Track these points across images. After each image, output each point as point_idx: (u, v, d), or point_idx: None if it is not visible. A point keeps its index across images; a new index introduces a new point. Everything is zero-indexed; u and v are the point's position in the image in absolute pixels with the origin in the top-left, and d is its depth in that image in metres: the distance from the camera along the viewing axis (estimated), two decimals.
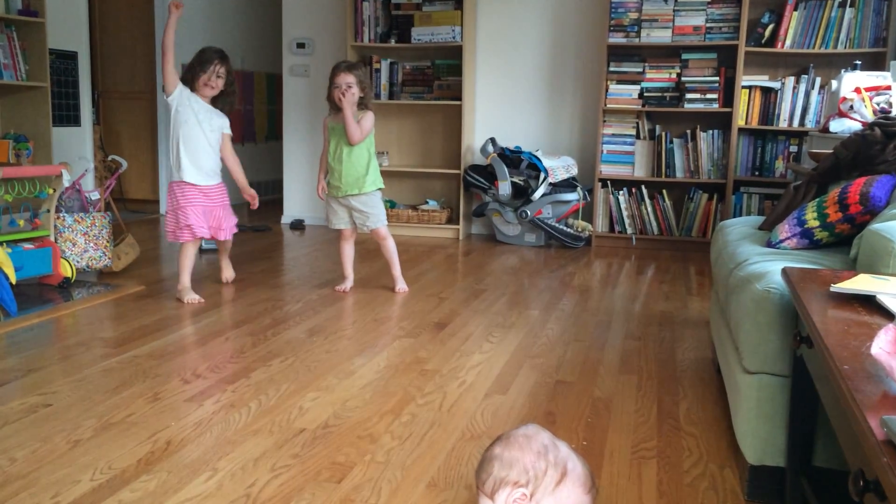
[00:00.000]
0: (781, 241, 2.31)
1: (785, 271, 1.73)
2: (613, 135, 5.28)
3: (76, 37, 5.41)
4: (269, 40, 7.21)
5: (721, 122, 5.11)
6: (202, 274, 4.07)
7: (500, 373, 2.63)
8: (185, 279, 3.54)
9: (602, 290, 3.99)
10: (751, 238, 2.50)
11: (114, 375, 2.51)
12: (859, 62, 4.14)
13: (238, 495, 1.74)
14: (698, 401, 2.40)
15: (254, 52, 7.27)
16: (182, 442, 2.01)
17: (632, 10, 5.09)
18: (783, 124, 4.98)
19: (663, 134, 5.19)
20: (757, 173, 5.11)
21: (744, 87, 5.00)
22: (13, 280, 3.26)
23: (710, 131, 5.13)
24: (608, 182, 5.31)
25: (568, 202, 5.18)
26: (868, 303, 1.45)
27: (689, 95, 5.06)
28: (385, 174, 4.17)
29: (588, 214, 5.36)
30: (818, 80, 4.90)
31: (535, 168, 5.17)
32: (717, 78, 5.03)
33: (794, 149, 5.01)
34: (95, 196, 4.02)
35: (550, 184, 5.14)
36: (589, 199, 5.29)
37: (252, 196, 3.70)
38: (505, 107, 5.67)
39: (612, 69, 5.19)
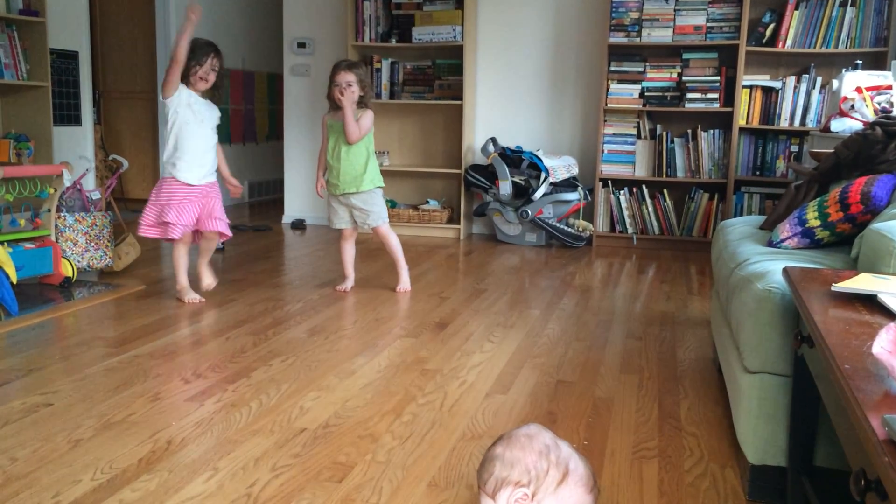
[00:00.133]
0: (782, 241, 2.31)
1: (786, 271, 1.73)
2: (614, 134, 5.27)
3: (77, 36, 5.41)
4: (269, 40, 7.22)
5: (722, 121, 5.10)
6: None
7: (501, 372, 2.63)
8: (183, 279, 3.54)
9: (603, 290, 3.99)
10: (752, 238, 2.50)
11: (115, 375, 2.51)
12: (860, 61, 4.14)
13: (239, 495, 1.74)
14: (699, 400, 2.40)
15: (255, 52, 7.27)
16: (183, 441, 2.01)
17: (633, 9, 5.09)
18: (784, 124, 4.98)
19: (664, 133, 5.19)
20: (758, 173, 5.11)
21: (745, 86, 4.99)
22: (14, 279, 3.26)
23: (711, 131, 5.12)
24: (609, 182, 5.31)
25: (569, 202, 5.17)
26: (869, 302, 1.45)
27: (689, 95, 5.06)
28: (386, 174, 4.17)
29: (589, 214, 5.36)
30: (819, 79, 4.90)
31: (536, 168, 5.17)
32: (717, 77, 5.03)
33: (795, 148, 5.01)
34: (96, 196, 4.02)
35: (551, 183, 5.14)
36: (590, 198, 5.29)
37: (236, 186, 3.65)
38: (506, 106, 5.67)
39: (612, 69, 5.19)
